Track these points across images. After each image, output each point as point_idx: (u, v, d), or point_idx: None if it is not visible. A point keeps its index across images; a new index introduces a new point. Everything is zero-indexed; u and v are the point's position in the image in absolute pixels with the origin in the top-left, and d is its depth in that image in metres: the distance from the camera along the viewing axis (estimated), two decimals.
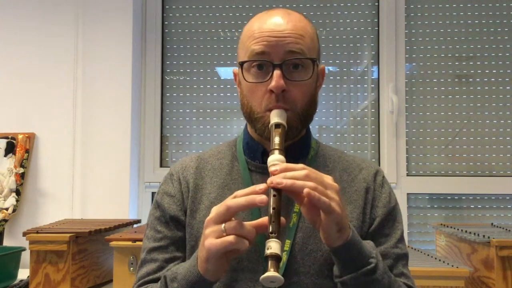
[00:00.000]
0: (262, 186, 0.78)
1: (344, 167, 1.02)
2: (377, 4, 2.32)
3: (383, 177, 1.03)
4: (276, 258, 0.74)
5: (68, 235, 1.63)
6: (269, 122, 0.91)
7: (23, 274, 1.80)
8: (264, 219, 0.80)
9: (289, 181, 0.77)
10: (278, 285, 0.74)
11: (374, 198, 0.99)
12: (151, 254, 0.98)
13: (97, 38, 2.21)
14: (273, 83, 0.90)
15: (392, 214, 0.99)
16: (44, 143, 2.20)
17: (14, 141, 2.17)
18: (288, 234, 0.93)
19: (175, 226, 0.99)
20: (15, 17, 2.24)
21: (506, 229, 1.72)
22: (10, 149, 2.17)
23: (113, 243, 1.61)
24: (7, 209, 2.10)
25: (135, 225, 1.99)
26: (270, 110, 0.92)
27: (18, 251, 1.80)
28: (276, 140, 0.88)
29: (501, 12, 2.30)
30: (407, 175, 2.26)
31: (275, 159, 0.84)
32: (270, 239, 0.76)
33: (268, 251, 0.75)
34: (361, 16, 2.34)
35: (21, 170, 2.14)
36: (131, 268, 1.59)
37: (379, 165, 2.26)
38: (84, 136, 2.19)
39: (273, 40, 0.91)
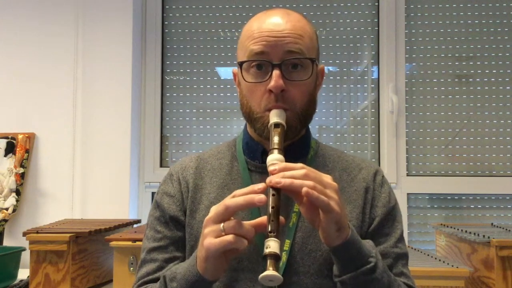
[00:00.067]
0: (261, 185, 0.78)
1: (343, 167, 1.02)
2: (377, 4, 2.32)
3: (383, 176, 1.03)
4: (275, 257, 0.74)
5: (68, 235, 1.63)
6: (268, 122, 0.91)
7: (23, 274, 1.80)
8: (263, 218, 0.80)
9: (287, 181, 0.77)
10: (277, 284, 0.74)
11: (374, 198, 0.99)
12: (151, 254, 0.98)
13: (97, 38, 2.21)
14: (272, 83, 0.90)
15: (391, 213, 0.99)
16: (44, 143, 2.20)
17: (14, 141, 2.17)
18: (288, 234, 0.93)
19: (175, 226, 0.99)
20: (15, 17, 2.24)
21: (506, 229, 1.72)
22: (10, 149, 2.17)
23: (113, 243, 1.61)
24: (7, 209, 2.10)
25: (135, 225, 2.00)
26: (270, 110, 0.92)
27: (18, 251, 1.80)
28: (275, 139, 0.88)
29: (501, 12, 2.30)
30: (407, 175, 2.26)
31: (274, 159, 0.84)
32: (269, 238, 0.76)
33: (267, 250, 0.75)
34: (361, 16, 2.34)
35: (21, 170, 2.14)
36: (131, 268, 1.59)
37: (379, 165, 2.26)
38: (84, 136, 2.19)
39: (272, 40, 0.91)
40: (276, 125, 0.90)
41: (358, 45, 2.35)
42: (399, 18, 2.29)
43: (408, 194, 2.26)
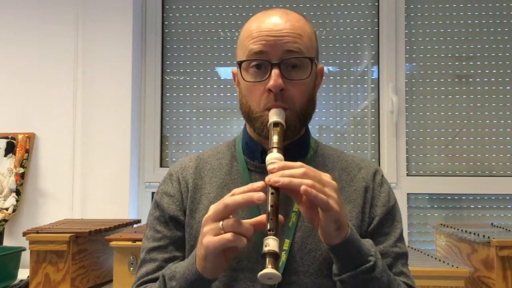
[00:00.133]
0: (259, 183, 0.78)
1: (343, 167, 1.02)
2: (377, 4, 2.32)
3: (382, 176, 1.03)
4: (274, 255, 0.74)
5: (68, 235, 1.63)
6: (267, 121, 0.91)
7: (23, 274, 1.80)
8: (262, 217, 0.80)
9: (286, 179, 0.77)
10: (276, 282, 0.74)
11: (373, 197, 0.99)
12: (151, 254, 0.98)
13: (97, 38, 2.21)
14: (271, 82, 0.90)
15: (391, 213, 0.99)
16: (44, 143, 2.20)
17: (14, 141, 2.17)
18: (287, 234, 0.93)
19: (175, 226, 0.99)
20: (15, 17, 2.24)
21: (506, 229, 1.72)
22: (10, 149, 2.17)
23: (113, 243, 1.61)
24: (7, 209, 2.10)
25: (135, 225, 2.00)
26: (269, 109, 0.92)
27: (18, 251, 1.80)
28: (275, 138, 0.88)
29: (501, 12, 2.30)
30: (407, 175, 2.26)
31: (274, 158, 0.85)
32: (268, 237, 0.76)
33: (266, 248, 0.75)
34: (361, 16, 2.34)
35: (21, 170, 2.14)
36: (131, 268, 1.59)
37: (379, 165, 2.26)
38: (84, 136, 2.19)
39: (271, 40, 0.92)
40: (276, 124, 0.90)
41: (358, 45, 2.35)
42: (399, 18, 2.29)
43: (408, 194, 2.26)
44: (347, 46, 2.34)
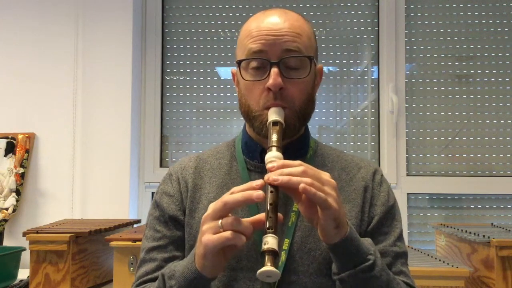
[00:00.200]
0: (259, 182, 0.78)
1: (342, 166, 1.02)
2: (377, 4, 2.32)
3: (382, 175, 1.04)
4: (273, 253, 0.74)
5: (68, 235, 1.63)
6: (267, 120, 0.91)
7: (23, 274, 1.80)
8: (261, 215, 0.79)
9: (285, 178, 0.77)
10: (275, 280, 0.74)
11: (373, 197, 0.99)
12: (150, 254, 0.98)
13: (97, 38, 2.21)
14: (270, 81, 0.90)
15: (391, 212, 0.99)
16: (44, 143, 2.20)
17: (14, 141, 2.17)
18: (287, 233, 0.93)
19: (174, 226, 0.99)
20: (15, 17, 2.24)
21: (506, 229, 1.72)
22: (10, 149, 2.17)
23: (113, 243, 1.61)
24: (7, 209, 2.10)
25: (135, 225, 2.00)
26: (268, 108, 0.92)
27: (18, 251, 1.80)
28: (274, 137, 0.88)
29: (501, 12, 2.30)
30: (407, 175, 2.26)
31: (273, 156, 0.85)
32: (267, 235, 0.76)
33: (265, 246, 0.75)
34: (361, 16, 2.34)
35: (21, 170, 2.14)
36: (131, 268, 1.59)
37: (379, 165, 2.26)
38: (84, 136, 2.19)
39: (270, 39, 0.92)
40: (275, 123, 0.90)
41: (358, 45, 2.35)
42: (399, 18, 2.29)
43: (408, 194, 2.26)
44: (347, 46, 2.34)
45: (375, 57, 2.32)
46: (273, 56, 0.92)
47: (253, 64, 0.94)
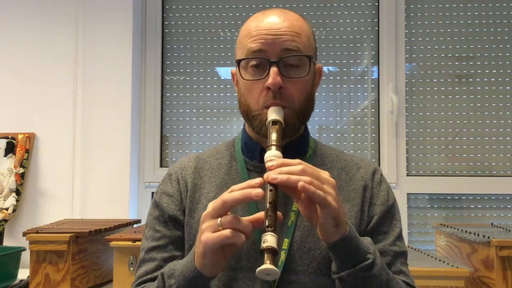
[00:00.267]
0: (257, 180, 0.78)
1: (342, 166, 1.03)
2: (377, 4, 2.32)
3: (381, 175, 1.04)
4: (272, 251, 0.74)
5: (68, 235, 1.63)
6: (266, 120, 0.92)
7: (23, 274, 1.80)
8: (261, 214, 0.79)
9: (284, 176, 0.77)
10: (274, 278, 0.74)
11: (372, 196, 0.99)
12: (150, 254, 0.98)
13: (97, 38, 2.21)
14: (270, 80, 0.91)
15: (390, 212, 0.99)
16: (44, 143, 2.20)
17: (14, 141, 2.17)
18: (287, 233, 0.93)
19: (174, 226, 0.99)
20: (15, 17, 2.24)
21: (506, 229, 1.72)
22: (10, 149, 2.17)
23: (113, 243, 1.61)
24: (7, 209, 2.10)
25: (135, 225, 2.00)
26: (267, 108, 0.92)
27: (18, 251, 1.80)
28: (273, 136, 0.88)
29: (501, 12, 2.30)
30: (407, 175, 2.26)
31: (272, 155, 0.85)
32: (266, 233, 0.76)
33: (264, 245, 0.75)
34: (361, 16, 2.34)
35: (21, 170, 2.15)
36: (131, 268, 1.59)
37: (379, 165, 2.26)
38: (84, 136, 2.19)
39: (269, 38, 0.92)
40: (274, 122, 0.90)
41: (358, 45, 2.35)
42: (399, 18, 2.29)
43: (408, 194, 2.26)
44: (347, 46, 2.34)
45: (375, 57, 2.32)
46: (273, 56, 0.92)
47: (253, 63, 0.94)
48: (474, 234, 1.59)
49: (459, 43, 2.30)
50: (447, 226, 1.83)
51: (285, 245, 0.91)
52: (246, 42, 0.94)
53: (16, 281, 1.76)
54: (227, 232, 0.75)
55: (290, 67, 0.93)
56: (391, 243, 0.96)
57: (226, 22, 2.39)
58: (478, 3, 2.30)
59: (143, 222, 2.05)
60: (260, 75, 0.93)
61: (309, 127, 1.06)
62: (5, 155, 2.17)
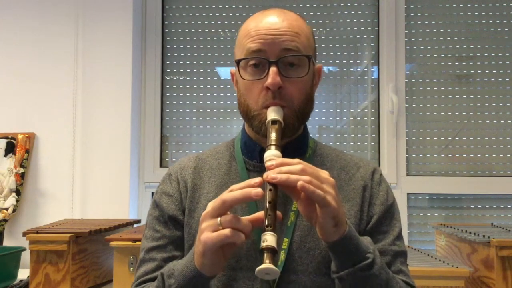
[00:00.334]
0: (257, 179, 0.78)
1: (341, 166, 1.03)
2: (377, 4, 2.32)
3: (381, 175, 1.04)
4: (272, 250, 0.74)
5: (68, 235, 1.63)
6: (266, 119, 0.92)
7: (23, 274, 1.80)
8: (260, 213, 0.79)
9: (284, 176, 0.77)
10: (274, 277, 0.74)
11: (372, 196, 0.99)
12: (150, 254, 0.98)
13: (97, 38, 2.21)
14: (269, 80, 0.91)
15: (390, 211, 0.99)
16: (44, 143, 2.20)
17: (14, 141, 2.18)
18: (286, 233, 0.93)
19: (174, 226, 0.99)
20: (15, 17, 2.24)
21: (506, 229, 1.72)
22: (10, 149, 2.17)
23: (113, 243, 1.61)
24: (7, 209, 2.11)
25: (135, 225, 2.00)
26: (267, 107, 0.92)
27: (18, 251, 1.80)
28: (273, 136, 0.88)
29: (501, 12, 2.30)
30: (407, 175, 2.26)
31: (272, 155, 0.85)
32: (266, 232, 0.76)
33: (263, 244, 0.75)
34: (361, 16, 2.34)
35: (21, 170, 2.15)
36: (131, 268, 1.59)
37: (379, 165, 2.26)
38: (84, 136, 2.19)
39: (269, 38, 0.92)
40: (274, 122, 0.90)
41: (358, 45, 2.35)
42: (399, 18, 2.29)
43: (408, 194, 2.26)
44: (347, 46, 2.34)
45: (375, 57, 2.32)
46: (272, 55, 0.92)
47: (252, 63, 0.94)
48: (474, 234, 1.59)
49: (459, 43, 2.30)
50: (447, 226, 1.83)
51: (284, 245, 0.91)
52: (246, 42, 0.94)
53: (16, 281, 1.77)
54: (226, 231, 0.75)
55: (289, 67, 0.93)
56: (391, 243, 0.96)
57: (226, 22, 2.39)
58: (478, 3, 2.30)
59: (143, 222, 2.05)
60: (260, 75, 0.93)
61: (309, 127, 1.07)
62: (5, 155, 2.17)
